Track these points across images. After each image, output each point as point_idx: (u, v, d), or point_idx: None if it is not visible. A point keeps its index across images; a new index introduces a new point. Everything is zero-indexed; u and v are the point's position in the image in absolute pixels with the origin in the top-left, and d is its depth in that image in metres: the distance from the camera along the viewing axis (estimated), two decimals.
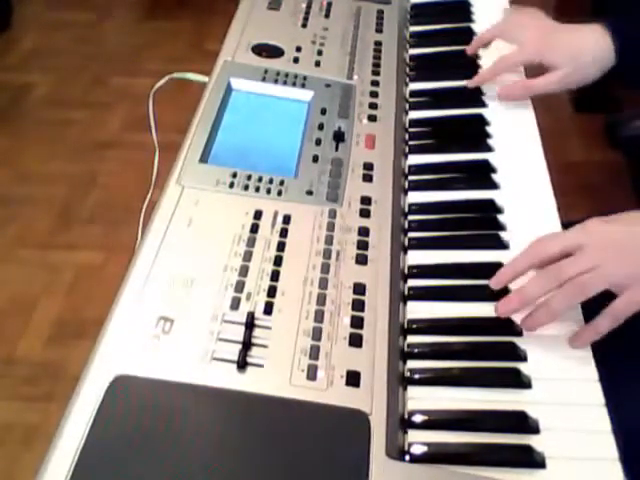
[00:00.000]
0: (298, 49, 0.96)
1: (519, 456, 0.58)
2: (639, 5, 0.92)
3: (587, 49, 0.88)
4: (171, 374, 0.58)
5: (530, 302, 0.65)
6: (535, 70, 0.93)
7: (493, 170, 0.85)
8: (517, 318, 0.68)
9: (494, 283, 0.68)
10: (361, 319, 0.63)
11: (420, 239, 0.77)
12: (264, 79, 0.90)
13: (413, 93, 0.98)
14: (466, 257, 0.75)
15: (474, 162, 0.87)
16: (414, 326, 0.68)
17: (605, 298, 0.65)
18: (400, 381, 0.63)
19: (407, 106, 0.95)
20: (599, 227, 0.66)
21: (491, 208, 0.80)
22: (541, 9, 0.96)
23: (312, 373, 0.58)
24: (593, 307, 0.66)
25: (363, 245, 0.70)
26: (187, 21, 2.63)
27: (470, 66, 1.00)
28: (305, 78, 0.90)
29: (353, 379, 0.59)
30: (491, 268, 0.72)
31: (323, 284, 0.65)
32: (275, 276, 0.65)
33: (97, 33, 2.61)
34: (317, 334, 0.61)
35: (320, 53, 0.96)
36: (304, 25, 1.01)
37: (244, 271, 0.65)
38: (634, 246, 0.64)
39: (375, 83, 0.92)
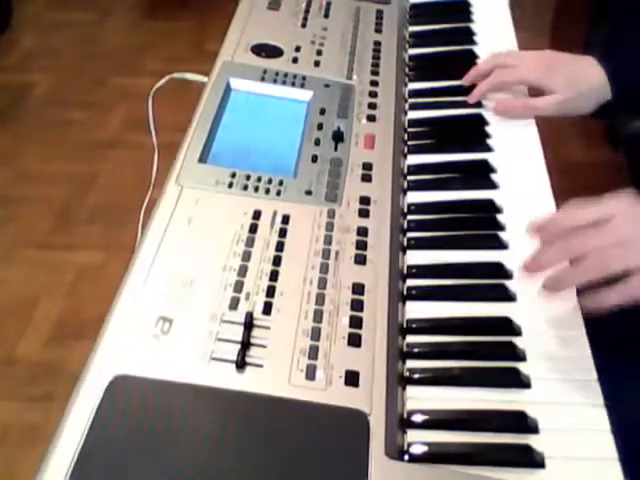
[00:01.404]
0: (297, 49, 0.96)
1: (519, 456, 0.58)
2: (638, 5, 0.92)
3: (586, 79, 0.88)
4: (170, 374, 0.58)
5: (547, 268, 0.63)
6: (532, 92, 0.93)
7: (492, 170, 0.85)
8: (516, 319, 0.68)
9: (528, 266, 0.65)
10: (360, 319, 0.63)
11: (419, 239, 0.77)
12: (263, 79, 0.90)
13: (412, 93, 0.98)
14: (465, 257, 0.75)
15: (473, 162, 0.87)
16: (413, 326, 0.68)
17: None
18: (399, 381, 0.63)
19: (406, 106, 0.96)
20: (632, 200, 0.64)
21: (490, 208, 0.80)
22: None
23: (311, 373, 0.58)
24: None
25: (362, 245, 0.70)
26: (187, 21, 2.64)
27: (469, 66, 1.00)
28: (304, 78, 0.90)
29: (352, 379, 0.59)
30: (490, 268, 0.73)
31: (322, 284, 0.65)
32: (274, 276, 0.65)
33: (97, 33, 2.61)
34: (316, 334, 0.61)
35: (319, 53, 0.96)
36: (303, 25, 1.01)
37: (243, 271, 0.65)
38: None
39: (374, 83, 0.92)
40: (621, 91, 0.87)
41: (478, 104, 0.95)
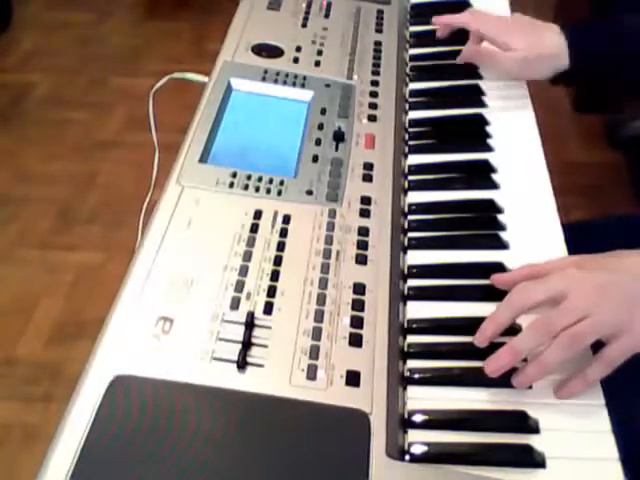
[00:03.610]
0: (298, 49, 0.96)
1: (519, 456, 0.58)
2: (637, 4, 0.93)
3: (545, 43, 0.91)
4: (171, 374, 0.57)
5: (521, 357, 0.62)
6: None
7: (493, 170, 0.85)
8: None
9: (479, 341, 0.64)
10: (361, 319, 0.63)
11: (420, 239, 0.77)
12: (264, 79, 0.90)
13: (413, 93, 0.98)
14: (466, 257, 0.75)
15: (474, 162, 0.87)
16: (414, 326, 0.68)
17: None
18: (400, 381, 0.63)
19: (407, 106, 0.96)
20: (579, 274, 0.64)
21: (491, 208, 0.80)
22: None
23: (312, 373, 0.58)
24: None
25: (363, 245, 0.70)
26: (187, 21, 2.64)
27: (470, 66, 1.00)
28: (305, 78, 0.90)
29: (353, 379, 0.58)
30: (491, 268, 0.72)
31: (323, 284, 0.65)
32: (275, 276, 0.65)
33: (97, 33, 2.61)
34: (317, 334, 0.61)
35: (320, 53, 0.96)
36: (304, 25, 1.01)
37: (244, 271, 0.65)
38: (619, 294, 0.62)
39: (375, 83, 0.92)
40: (578, 60, 0.90)
41: (480, 103, 0.95)
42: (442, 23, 1.03)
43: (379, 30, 1.02)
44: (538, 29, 0.93)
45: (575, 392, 0.62)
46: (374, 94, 0.90)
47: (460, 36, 1.07)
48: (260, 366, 0.59)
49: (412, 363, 0.65)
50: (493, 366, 0.62)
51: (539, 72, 0.92)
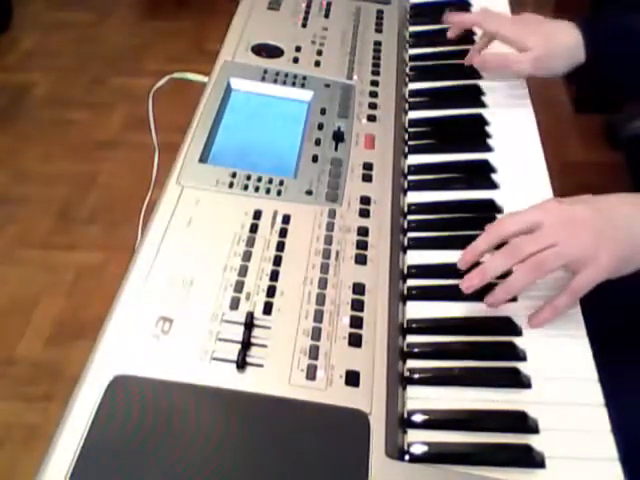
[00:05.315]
0: (298, 49, 0.96)
1: (519, 456, 0.58)
2: (635, 4, 0.93)
3: (560, 39, 0.90)
4: (170, 374, 0.57)
5: (490, 278, 0.66)
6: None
7: (493, 170, 0.85)
8: (517, 319, 0.68)
9: (460, 264, 0.69)
10: (360, 319, 0.63)
11: (419, 239, 0.77)
12: (264, 79, 0.90)
13: (413, 93, 0.98)
14: None
15: (474, 162, 0.87)
16: (413, 326, 0.68)
17: (598, 293, 0.66)
18: (400, 381, 0.63)
19: (407, 106, 0.96)
20: (557, 207, 0.68)
21: (491, 208, 0.80)
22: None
23: (311, 373, 0.58)
24: (590, 303, 0.67)
25: (362, 245, 0.70)
26: (187, 21, 2.63)
27: (470, 66, 1.00)
28: (305, 78, 0.90)
29: (352, 379, 0.59)
30: None
31: (322, 284, 0.65)
32: (274, 276, 0.65)
33: (97, 33, 2.61)
34: (316, 334, 0.61)
35: (320, 53, 0.96)
36: (304, 25, 1.01)
37: (243, 271, 0.65)
38: (588, 229, 0.66)
39: (375, 83, 0.92)
40: (594, 52, 0.88)
41: (480, 103, 0.95)
42: (454, 22, 1.01)
43: (379, 30, 1.02)
44: (552, 25, 0.92)
45: (546, 319, 0.67)
46: (374, 94, 0.90)
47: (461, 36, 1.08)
48: (259, 366, 0.59)
49: (412, 363, 0.65)
50: (466, 284, 0.67)
51: (555, 69, 0.90)
